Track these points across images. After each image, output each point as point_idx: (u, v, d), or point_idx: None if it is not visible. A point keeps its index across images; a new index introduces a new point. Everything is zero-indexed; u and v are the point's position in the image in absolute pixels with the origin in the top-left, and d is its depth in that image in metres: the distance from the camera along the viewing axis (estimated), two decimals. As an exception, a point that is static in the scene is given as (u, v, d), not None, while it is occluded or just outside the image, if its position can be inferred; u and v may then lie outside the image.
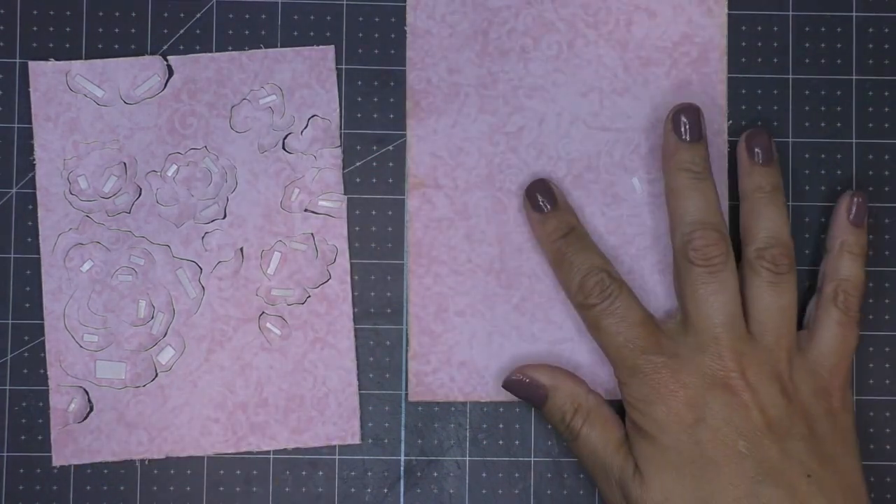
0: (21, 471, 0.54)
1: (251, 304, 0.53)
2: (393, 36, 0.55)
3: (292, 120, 0.54)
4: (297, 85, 0.54)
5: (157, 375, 0.53)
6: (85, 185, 0.54)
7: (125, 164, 0.54)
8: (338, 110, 0.54)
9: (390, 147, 0.54)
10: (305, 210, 0.54)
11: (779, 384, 0.48)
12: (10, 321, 0.54)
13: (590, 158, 0.54)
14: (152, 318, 0.53)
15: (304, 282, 0.54)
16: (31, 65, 0.54)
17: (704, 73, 0.54)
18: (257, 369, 0.53)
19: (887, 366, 0.54)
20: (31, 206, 0.54)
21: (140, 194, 0.54)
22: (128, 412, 0.53)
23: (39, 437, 0.54)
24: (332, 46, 0.54)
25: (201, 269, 0.54)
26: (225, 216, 0.54)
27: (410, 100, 0.54)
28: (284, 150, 0.54)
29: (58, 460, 0.53)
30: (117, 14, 0.55)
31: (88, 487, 0.54)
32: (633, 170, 0.54)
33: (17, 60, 0.55)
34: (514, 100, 0.54)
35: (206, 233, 0.54)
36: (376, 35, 0.55)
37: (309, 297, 0.54)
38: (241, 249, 0.54)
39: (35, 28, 0.55)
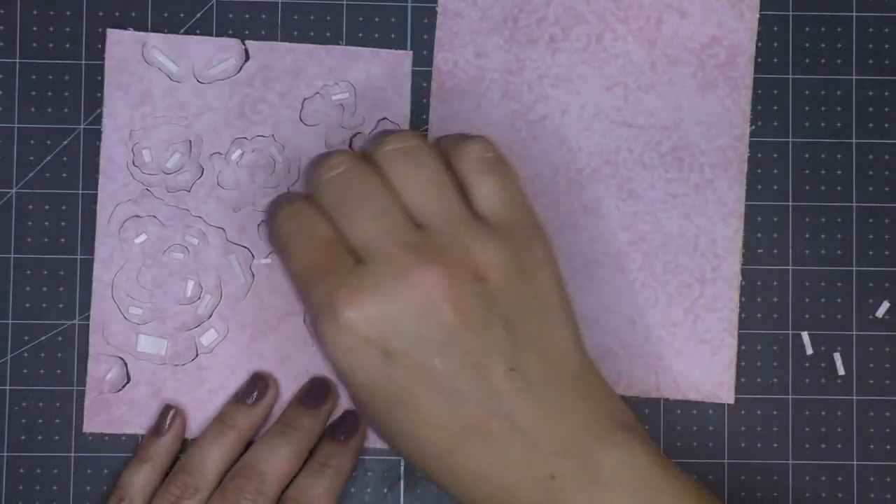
0: (21, 471, 0.53)
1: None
2: (393, 36, 0.55)
3: (362, 120, 0.55)
4: (370, 86, 0.55)
5: (197, 356, 0.53)
6: (148, 158, 0.53)
7: (191, 142, 0.54)
8: (408, 116, 0.55)
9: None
10: (362, 210, 0.55)
11: (470, 267, 0.45)
12: (10, 321, 0.53)
13: (609, 153, 0.55)
14: (199, 298, 0.53)
15: (351, 279, 0.54)
16: (109, 32, 0.54)
17: (731, 77, 0.55)
18: (297, 364, 0.54)
19: (887, 366, 0.55)
20: (30, 206, 0.54)
21: (202, 174, 0.54)
22: (164, 388, 0.53)
23: (39, 437, 0.53)
24: (411, 52, 0.55)
25: (253, 256, 0.54)
26: (284, 207, 0.54)
27: (436, 81, 0.55)
28: (351, 148, 0.55)
29: (89, 427, 0.53)
30: (117, 14, 0.55)
31: (88, 487, 0.53)
32: (652, 167, 0.55)
33: (18, 60, 0.54)
34: (539, 88, 0.55)
35: (262, 221, 0.54)
36: (376, 35, 0.55)
37: (355, 295, 0.54)
38: (296, 242, 0.54)
39: (35, 28, 0.54)
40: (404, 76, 0.55)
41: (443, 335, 0.44)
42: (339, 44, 0.55)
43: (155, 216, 0.53)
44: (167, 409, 0.52)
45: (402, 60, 0.55)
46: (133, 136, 0.53)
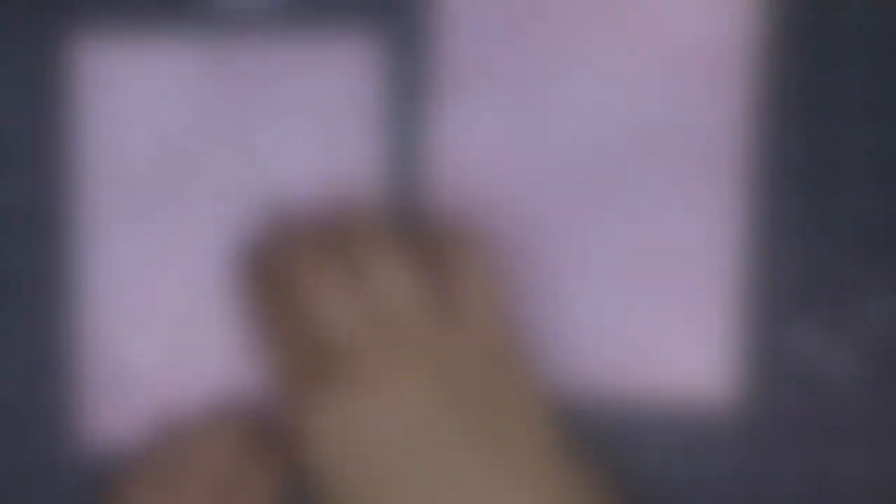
0: (20, 471, 0.53)
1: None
2: (394, 37, 0.55)
3: (340, 108, 0.54)
4: (343, 74, 0.54)
5: (194, 354, 0.53)
6: (131, 162, 0.53)
7: (172, 145, 0.53)
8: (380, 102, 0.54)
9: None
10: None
11: None
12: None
13: (608, 153, 0.55)
14: (192, 296, 0.53)
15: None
16: (80, 39, 0.52)
17: (731, 77, 0.55)
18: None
19: (887, 366, 0.56)
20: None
21: (187, 176, 0.53)
22: (162, 391, 0.53)
23: (38, 438, 0.54)
24: (379, 39, 0.54)
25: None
26: (273, 204, 0.54)
27: (436, 80, 0.54)
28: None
29: (89, 432, 0.53)
30: (117, 14, 0.53)
31: (87, 490, 0.54)
32: (652, 168, 0.55)
33: (17, 60, 0.54)
34: (540, 88, 0.55)
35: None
36: (377, 35, 0.55)
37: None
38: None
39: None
40: (374, 62, 0.54)
41: None
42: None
43: (143, 218, 0.53)
44: (166, 410, 0.53)
45: (369, 46, 0.54)
46: (113, 142, 0.53)
